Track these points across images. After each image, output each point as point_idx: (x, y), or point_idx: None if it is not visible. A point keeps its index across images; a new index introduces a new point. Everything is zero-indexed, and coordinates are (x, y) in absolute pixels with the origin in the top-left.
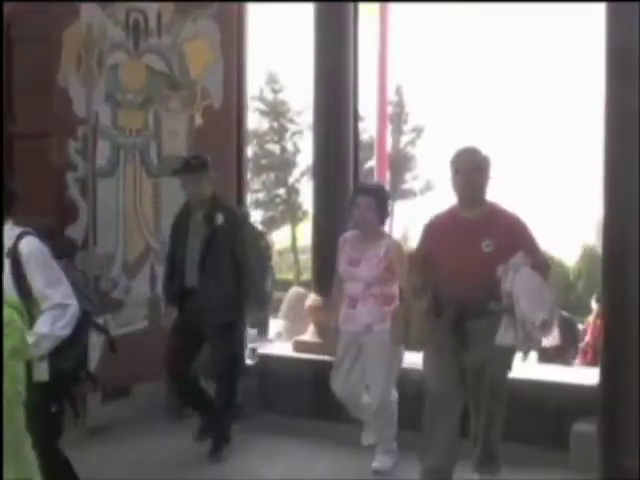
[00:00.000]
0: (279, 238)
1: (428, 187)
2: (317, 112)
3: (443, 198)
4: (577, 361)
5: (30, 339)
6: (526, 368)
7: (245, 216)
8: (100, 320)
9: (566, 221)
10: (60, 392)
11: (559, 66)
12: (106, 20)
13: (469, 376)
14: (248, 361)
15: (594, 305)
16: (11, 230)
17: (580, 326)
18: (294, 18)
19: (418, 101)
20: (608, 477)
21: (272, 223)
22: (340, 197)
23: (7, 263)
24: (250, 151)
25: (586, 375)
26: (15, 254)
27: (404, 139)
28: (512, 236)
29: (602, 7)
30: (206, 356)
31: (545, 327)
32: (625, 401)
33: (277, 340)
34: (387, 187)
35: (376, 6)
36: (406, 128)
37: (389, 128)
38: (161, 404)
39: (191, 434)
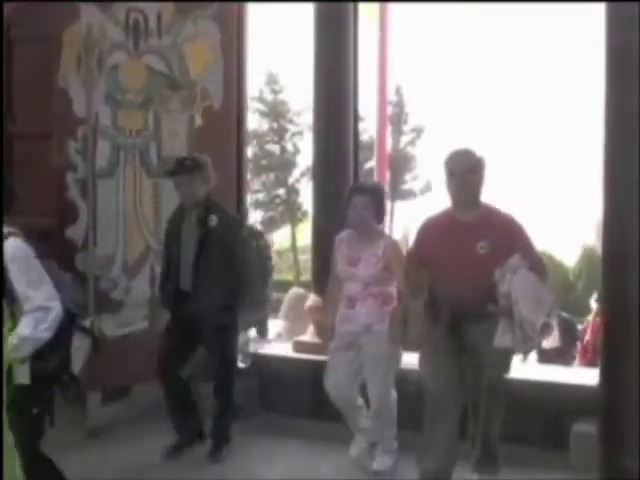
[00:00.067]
0: (279, 239)
1: (428, 187)
2: (317, 112)
3: (443, 198)
4: (577, 360)
5: (11, 341)
6: (526, 368)
7: (238, 221)
8: (86, 322)
9: (566, 221)
10: (42, 394)
11: (559, 66)
12: (106, 20)
13: (467, 378)
14: (240, 364)
15: (594, 305)
16: None
17: (579, 326)
18: (294, 18)
19: (418, 101)
20: (608, 477)
21: (272, 223)
22: (340, 198)
23: None
24: (250, 152)
25: (586, 375)
26: None
27: (404, 139)
28: (508, 237)
29: (602, 7)
30: (200, 358)
31: (545, 329)
32: (625, 401)
33: (277, 341)
34: (387, 187)
35: (376, 6)
36: (406, 128)
37: (389, 128)
38: (161, 405)
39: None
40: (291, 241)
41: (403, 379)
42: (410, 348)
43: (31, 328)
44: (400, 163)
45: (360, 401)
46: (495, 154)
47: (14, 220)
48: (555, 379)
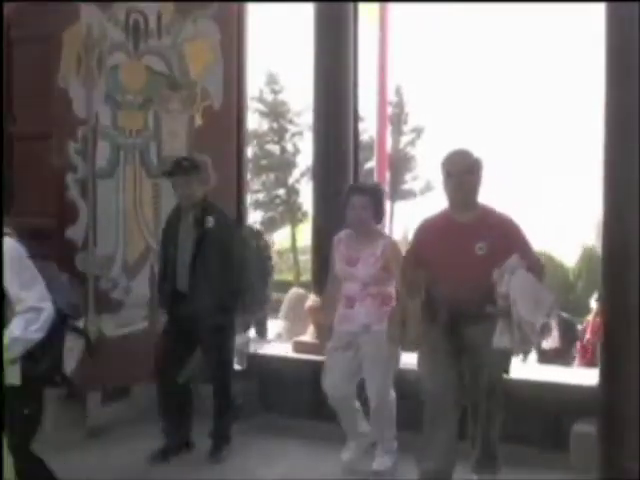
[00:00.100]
0: (279, 239)
1: (428, 187)
2: (317, 112)
3: (443, 199)
4: (577, 359)
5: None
6: (526, 369)
7: (235, 222)
8: (80, 323)
9: (566, 221)
10: (33, 395)
11: (559, 66)
12: (106, 21)
13: (466, 378)
14: (236, 366)
15: (593, 305)
16: None
17: (579, 326)
18: (294, 18)
19: (418, 101)
20: (608, 477)
21: (272, 224)
22: (340, 198)
23: None
24: (250, 152)
25: (586, 376)
26: None
27: (404, 139)
28: (505, 238)
29: (602, 7)
30: (199, 359)
31: (544, 330)
32: (625, 401)
33: (277, 341)
34: (387, 188)
35: (376, 6)
36: (406, 128)
37: (389, 129)
38: None
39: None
40: (291, 241)
41: (402, 379)
42: (409, 348)
43: (22, 329)
44: (400, 163)
45: (357, 404)
46: (495, 154)
47: (12, 220)
48: (555, 379)
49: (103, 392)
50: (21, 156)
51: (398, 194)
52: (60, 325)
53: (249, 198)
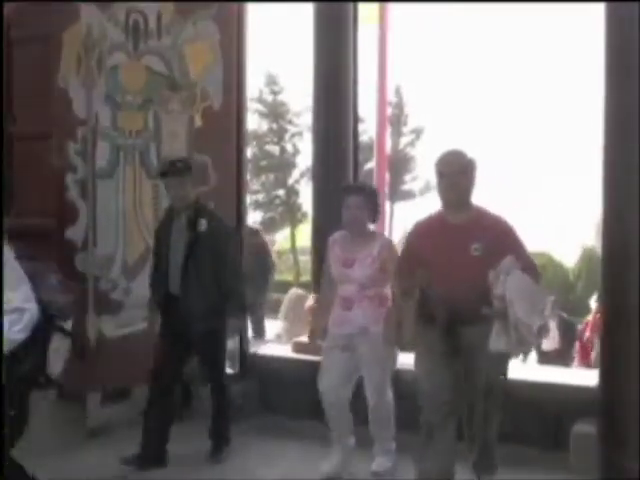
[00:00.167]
0: (279, 239)
1: (427, 188)
2: (316, 113)
3: None
4: (576, 359)
5: None
6: (526, 369)
7: (227, 225)
8: (67, 324)
9: (566, 221)
10: (17, 396)
11: (559, 66)
12: (106, 21)
13: (463, 379)
14: (229, 370)
15: (593, 305)
16: None
17: (579, 327)
18: (294, 18)
19: (418, 102)
20: (608, 478)
21: (272, 224)
22: (340, 198)
23: None
24: (249, 152)
25: (586, 376)
26: None
27: (404, 140)
28: (499, 239)
29: (602, 7)
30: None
31: (542, 331)
32: (625, 402)
33: (276, 341)
34: (386, 188)
35: (376, 6)
36: (406, 129)
37: (389, 129)
38: None
39: (121, 456)
40: (291, 242)
41: (399, 380)
42: (405, 349)
43: (5, 329)
44: (400, 164)
45: (349, 414)
46: (495, 154)
47: (12, 220)
48: (555, 380)
49: (103, 393)
50: (21, 156)
51: (398, 195)
52: (45, 325)
53: (249, 198)
